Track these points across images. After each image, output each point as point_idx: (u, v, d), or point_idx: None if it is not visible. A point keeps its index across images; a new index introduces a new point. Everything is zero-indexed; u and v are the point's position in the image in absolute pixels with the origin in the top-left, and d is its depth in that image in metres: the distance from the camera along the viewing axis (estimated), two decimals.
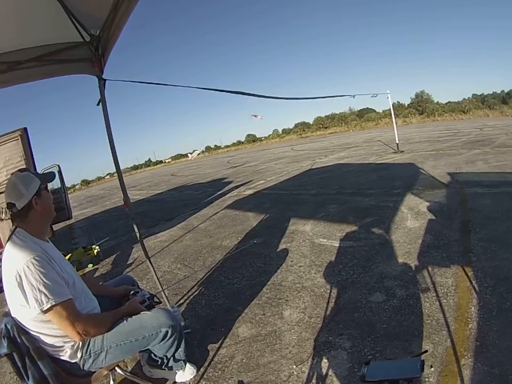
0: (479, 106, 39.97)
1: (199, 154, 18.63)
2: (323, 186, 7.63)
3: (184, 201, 8.80)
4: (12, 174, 1.60)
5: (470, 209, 4.60)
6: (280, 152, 20.70)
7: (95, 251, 4.68)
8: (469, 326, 2.25)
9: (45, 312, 1.36)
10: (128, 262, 4.68)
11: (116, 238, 6.24)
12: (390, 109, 13.64)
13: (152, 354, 1.87)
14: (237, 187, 9.34)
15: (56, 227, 6.12)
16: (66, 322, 1.40)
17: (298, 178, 9.64)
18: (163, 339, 1.68)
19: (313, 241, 4.11)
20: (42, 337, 1.45)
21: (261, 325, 2.55)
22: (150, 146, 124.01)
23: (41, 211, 1.54)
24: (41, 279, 1.34)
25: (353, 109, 46.30)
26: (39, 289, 1.33)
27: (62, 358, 1.51)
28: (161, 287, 2.79)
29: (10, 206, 1.47)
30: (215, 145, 50.17)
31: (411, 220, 4.55)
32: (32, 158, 4.86)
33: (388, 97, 12.35)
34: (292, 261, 3.60)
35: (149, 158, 50.32)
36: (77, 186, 35.05)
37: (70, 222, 8.61)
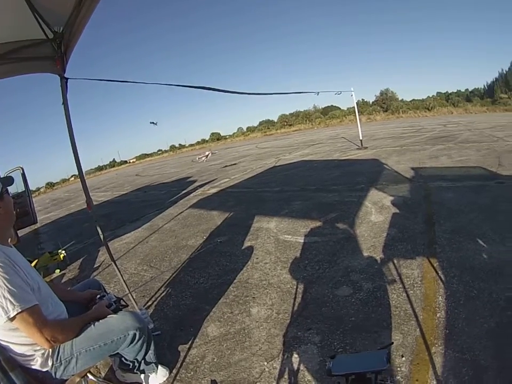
0: (443, 103, 45.64)
1: (208, 156, 18.44)
2: (287, 183, 8.32)
3: (149, 202, 9.57)
4: None
5: (434, 203, 5.20)
6: (244, 150, 22.87)
7: (62, 256, 4.99)
8: (437, 315, 2.55)
9: (12, 319, 1.46)
10: (95, 266, 5.00)
11: (81, 241, 6.64)
12: (354, 107, 15.19)
13: (123, 359, 2.04)
14: (201, 186, 10.24)
15: (21, 232, 6.23)
16: (34, 329, 1.51)
17: (262, 175, 10.48)
18: (132, 342, 1.84)
19: (278, 238, 4.54)
20: (12, 347, 1.56)
21: (230, 323, 2.80)
22: (114, 147, 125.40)
23: (3, 215, 1.65)
24: (6, 286, 1.44)
25: (318, 107, 51.28)
26: (3, 296, 1.43)
27: (33, 367, 1.63)
28: (128, 290, 3.04)
29: None
30: (180, 144, 54.47)
31: (375, 214, 5.04)
32: None
33: (352, 95, 13.79)
34: (257, 258, 3.98)
35: (114, 159, 53.93)
36: (41, 189, 37.62)
37: (35, 227, 8.96)
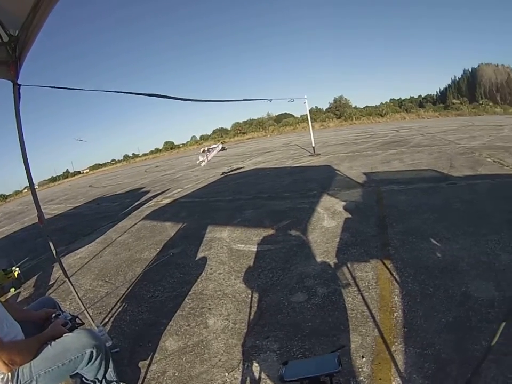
0: (396, 110, 49.87)
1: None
2: (239, 192, 8.67)
3: (103, 214, 9.91)
4: None
5: (386, 206, 5.62)
6: (197, 159, 22.83)
7: (16, 273, 5.00)
8: (395, 315, 2.75)
9: None
10: (50, 283, 5.06)
11: (36, 257, 6.69)
12: (307, 114, 16.21)
13: (84, 378, 2.10)
14: (154, 196, 10.80)
15: None
16: None
17: (215, 185, 10.90)
18: (89, 361, 1.90)
19: (231, 247, 4.82)
20: None
21: (187, 336, 2.94)
22: (68, 157, 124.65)
23: None
24: None
25: (271, 114, 56.20)
26: None
27: None
28: (84, 307, 3.15)
29: None
30: (133, 154, 57.77)
31: (328, 219, 5.34)
32: None
33: (305, 102, 14.65)
34: (211, 269, 4.19)
35: (67, 169, 55.14)
36: None
37: None
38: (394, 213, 5.19)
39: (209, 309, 3.28)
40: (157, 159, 41.06)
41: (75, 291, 3.08)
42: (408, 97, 61.15)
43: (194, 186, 11.09)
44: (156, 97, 3.50)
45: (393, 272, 3.43)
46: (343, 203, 6.06)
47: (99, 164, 55.00)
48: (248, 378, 2.32)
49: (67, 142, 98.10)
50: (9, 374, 1.66)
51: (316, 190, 7.31)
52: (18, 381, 1.68)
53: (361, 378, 2.16)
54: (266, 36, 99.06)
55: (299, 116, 48.59)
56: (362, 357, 2.32)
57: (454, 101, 57.00)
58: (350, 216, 5.36)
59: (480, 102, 53.24)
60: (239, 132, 50.73)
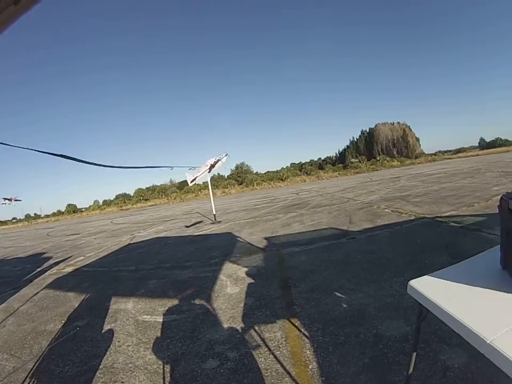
0: (296, 173, 54.93)
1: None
2: (142, 262, 8.66)
3: (3, 279, 9.50)
4: None
5: (288, 268, 6.00)
6: (100, 225, 24.83)
7: None
8: (310, 367, 2.94)
9: None
10: None
11: None
12: (208, 182, 17.08)
13: None
14: (56, 263, 10.46)
15: None
16: None
17: (117, 253, 10.76)
18: None
19: (136, 318, 4.82)
20: None
21: None
22: None
23: None
24: None
25: (174, 181, 60.45)
26: None
27: None
28: None
29: None
30: (35, 214, 59.30)
31: (231, 286, 5.52)
32: None
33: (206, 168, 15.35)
34: (119, 341, 4.20)
35: None
36: None
37: None
38: (297, 274, 5.57)
39: (122, 382, 3.26)
40: (59, 222, 41.50)
41: None
42: (308, 160, 67.53)
43: (97, 255, 10.89)
44: (63, 158, 3.58)
45: (302, 329, 3.67)
46: (245, 269, 6.33)
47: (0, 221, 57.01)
48: None
49: None
50: None
51: (218, 258, 7.55)
52: None
53: None
54: (171, 104, 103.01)
55: (201, 183, 51.18)
56: None
57: (353, 160, 64.25)
58: (253, 281, 5.62)
59: (378, 158, 60.80)
60: (141, 198, 53.43)
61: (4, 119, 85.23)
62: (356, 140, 74.03)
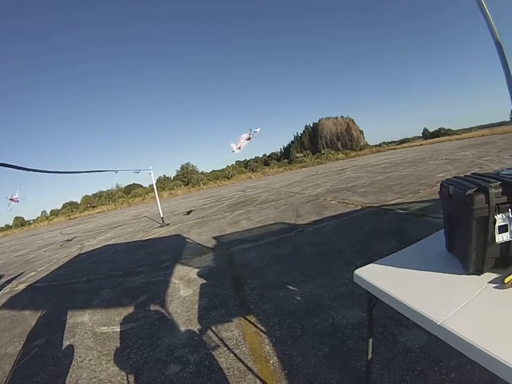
0: (242, 171, 55.22)
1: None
2: (94, 271, 8.48)
3: None
4: None
5: (239, 265, 6.07)
6: (49, 237, 24.19)
7: None
8: (271, 362, 3.00)
9: None
10: None
11: None
12: (153, 185, 17.46)
13: None
14: (8, 282, 10.12)
15: None
16: None
17: (68, 265, 10.49)
18: None
19: (94, 331, 4.75)
20: None
21: None
22: None
23: None
24: None
25: (120, 185, 59.72)
26: None
27: None
28: None
29: None
30: None
31: (184, 289, 5.50)
32: None
33: (150, 173, 15.71)
34: (80, 357, 4.13)
35: None
36: None
37: None
38: (248, 270, 5.65)
39: None
40: (8, 237, 40.17)
41: None
42: (253, 157, 68.17)
43: (48, 269, 10.60)
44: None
45: (258, 325, 3.73)
46: (197, 270, 6.36)
47: None
48: None
49: None
50: None
51: (169, 261, 7.51)
52: None
53: None
54: (113, 110, 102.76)
55: (147, 186, 52.54)
56: None
57: (298, 154, 65.51)
58: (205, 281, 5.64)
59: (323, 152, 62.25)
60: (89, 205, 52.92)
61: None
62: (300, 135, 75.52)
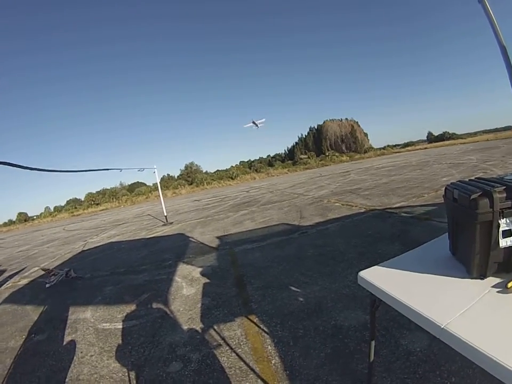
0: (246, 171, 55.43)
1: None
2: (97, 268, 8.52)
3: None
4: None
5: (241, 265, 6.08)
6: (52, 233, 24.40)
7: None
8: (273, 362, 3.00)
9: None
10: None
11: None
12: (157, 183, 17.55)
13: None
14: (11, 276, 10.22)
15: None
16: None
17: (71, 261, 10.53)
18: None
19: (96, 327, 4.78)
20: None
21: None
22: None
23: None
24: None
25: (124, 184, 60.33)
26: None
27: None
28: None
29: None
30: None
31: (186, 287, 5.52)
32: None
33: (154, 172, 15.85)
34: (81, 352, 4.16)
35: None
36: None
37: None
38: (251, 271, 5.66)
39: None
40: (11, 233, 40.62)
41: None
42: (258, 158, 68.35)
43: (51, 264, 10.59)
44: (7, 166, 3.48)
45: (260, 325, 3.73)
46: (200, 269, 6.37)
47: None
48: None
49: None
50: None
51: (172, 260, 7.52)
52: None
53: None
54: (120, 108, 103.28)
55: (151, 185, 53.00)
56: None
57: (302, 156, 65.50)
58: (208, 280, 5.65)
59: (327, 154, 62.20)
60: (92, 203, 53.18)
61: None
62: (304, 136, 75.48)
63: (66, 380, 3.60)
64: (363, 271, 1.74)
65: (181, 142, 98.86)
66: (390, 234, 6.16)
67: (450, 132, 67.20)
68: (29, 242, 21.33)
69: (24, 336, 5.15)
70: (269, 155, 72.92)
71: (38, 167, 4.03)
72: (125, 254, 9.84)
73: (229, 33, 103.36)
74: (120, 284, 6.61)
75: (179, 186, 51.20)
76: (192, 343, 3.67)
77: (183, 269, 6.64)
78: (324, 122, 75.02)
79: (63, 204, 59.61)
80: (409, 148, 61.05)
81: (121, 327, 4.60)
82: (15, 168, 3.61)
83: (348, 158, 57.86)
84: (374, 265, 1.81)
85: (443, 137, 66.10)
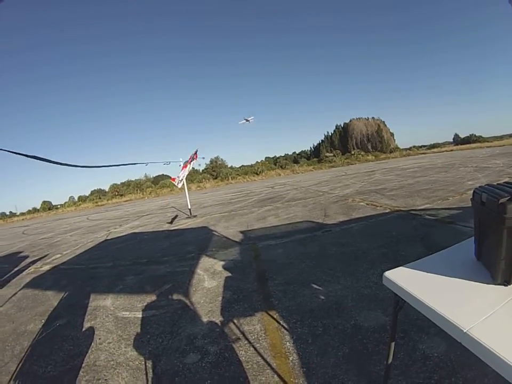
0: (271, 167, 55.47)
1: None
2: (119, 258, 8.69)
3: None
4: None
5: (264, 261, 6.09)
6: (75, 222, 25.05)
7: None
8: (290, 359, 3.00)
9: None
10: None
11: None
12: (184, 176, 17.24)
13: None
14: (33, 262, 10.50)
15: None
16: None
17: (94, 250, 10.76)
18: None
19: (116, 315, 4.86)
20: None
21: None
22: None
23: None
24: None
25: (149, 176, 62.01)
26: None
27: None
28: None
29: None
30: (11, 212, 61.32)
31: (208, 280, 5.57)
32: None
33: (180, 165, 15.83)
34: (100, 339, 4.24)
35: None
36: None
37: None
38: (273, 267, 5.67)
39: (105, 380, 3.29)
40: (35, 220, 41.91)
41: None
42: (283, 154, 68.43)
43: (73, 252, 10.90)
44: (36, 160, 3.52)
45: (280, 321, 3.73)
46: (222, 263, 6.41)
47: None
48: None
49: None
50: None
51: (194, 252, 7.59)
52: None
53: None
54: (149, 100, 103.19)
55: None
56: None
57: (327, 154, 65.06)
58: (230, 274, 5.68)
59: (352, 153, 61.65)
60: (116, 193, 54.19)
61: None
62: (330, 134, 74.87)
63: (83, 365, 3.67)
64: (388, 271, 1.73)
65: (208, 137, 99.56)
66: (413, 236, 6.06)
67: (476, 135, 65.60)
68: (52, 230, 21.74)
69: (43, 321, 5.24)
70: (294, 152, 73.00)
71: (63, 162, 4.08)
72: (147, 244, 9.95)
73: (264, 31, 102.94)
74: (141, 274, 6.69)
75: (203, 180, 51.56)
76: (211, 336, 3.70)
77: (206, 262, 6.69)
78: (350, 121, 74.29)
79: (87, 194, 60.96)
80: (435, 150, 59.76)
81: (140, 316, 4.66)
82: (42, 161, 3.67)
83: (374, 157, 57.11)
84: (396, 267, 1.79)
85: (469, 139, 64.58)
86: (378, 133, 71.32)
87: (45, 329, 4.94)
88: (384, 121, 74.24)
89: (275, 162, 62.13)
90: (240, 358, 3.16)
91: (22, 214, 58.17)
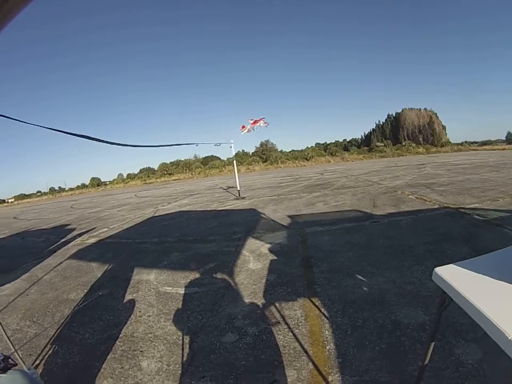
0: (321, 153, 54.61)
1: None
2: (165, 234, 8.87)
3: (28, 249, 9.76)
4: None
5: (310, 246, 6.06)
6: (123, 198, 25.70)
7: None
8: (327, 348, 2.98)
9: None
10: None
11: None
12: (233, 158, 17.93)
13: None
14: (80, 235, 10.84)
15: None
16: None
17: (141, 226, 11.09)
18: None
19: (158, 290, 4.97)
20: None
21: (122, 379, 2.97)
22: None
23: None
24: None
25: (198, 156, 61.06)
26: None
27: None
28: (14, 348, 2.94)
29: None
30: (60, 187, 62.01)
31: (253, 262, 5.61)
32: None
33: (231, 147, 16.06)
34: (140, 311, 4.31)
35: None
36: None
37: None
38: (319, 253, 5.62)
39: (141, 351, 3.35)
40: (83, 195, 43.05)
41: (4, 331, 2.97)
42: (334, 141, 67.17)
43: (120, 227, 11.33)
44: (86, 139, 3.55)
45: (321, 309, 3.71)
46: (268, 245, 6.42)
47: (25, 195, 59.89)
48: None
49: None
50: None
51: (241, 233, 7.64)
52: None
53: None
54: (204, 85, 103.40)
55: (225, 159, 53.82)
56: None
57: (378, 143, 63.25)
58: (275, 257, 5.68)
59: (403, 144, 59.65)
60: (165, 172, 54.69)
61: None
62: (381, 123, 72.48)
63: (121, 335, 3.77)
64: (439, 267, 1.68)
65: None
66: (460, 236, 5.80)
67: None
68: (100, 205, 22.30)
69: (85, 290, 5.40)
70: (345, 139, 70.98)
71: (113, 141, 4.15)
72: (194, 223, 10.10)
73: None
74: (187, 252, 6.78)
75: (253, 162, 51.46)
76: (251, 317, 3.73)
77: (252, 244, 6.73)
78: (402, 111, 71.31)
79: (136, 172, 61.66)
80: (486, 147, 56.17)
81: (183, 292, 4.73)
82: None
83: (424, 150, 54.86)
84: (442, 265, 1.74)
85: None
86: (430, 125, 67.99)
87: (86, 298, 5.10)
88: (436, 113, 70.75)
89: (325, 149, 61.02)
90: (278, 342, 3.17)
91: (71, 189, 59.86)
